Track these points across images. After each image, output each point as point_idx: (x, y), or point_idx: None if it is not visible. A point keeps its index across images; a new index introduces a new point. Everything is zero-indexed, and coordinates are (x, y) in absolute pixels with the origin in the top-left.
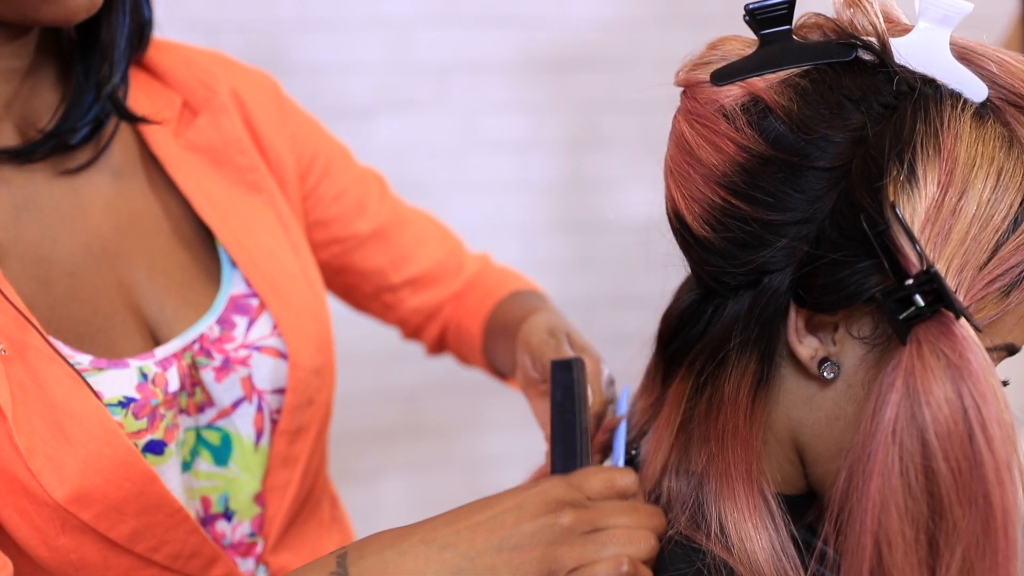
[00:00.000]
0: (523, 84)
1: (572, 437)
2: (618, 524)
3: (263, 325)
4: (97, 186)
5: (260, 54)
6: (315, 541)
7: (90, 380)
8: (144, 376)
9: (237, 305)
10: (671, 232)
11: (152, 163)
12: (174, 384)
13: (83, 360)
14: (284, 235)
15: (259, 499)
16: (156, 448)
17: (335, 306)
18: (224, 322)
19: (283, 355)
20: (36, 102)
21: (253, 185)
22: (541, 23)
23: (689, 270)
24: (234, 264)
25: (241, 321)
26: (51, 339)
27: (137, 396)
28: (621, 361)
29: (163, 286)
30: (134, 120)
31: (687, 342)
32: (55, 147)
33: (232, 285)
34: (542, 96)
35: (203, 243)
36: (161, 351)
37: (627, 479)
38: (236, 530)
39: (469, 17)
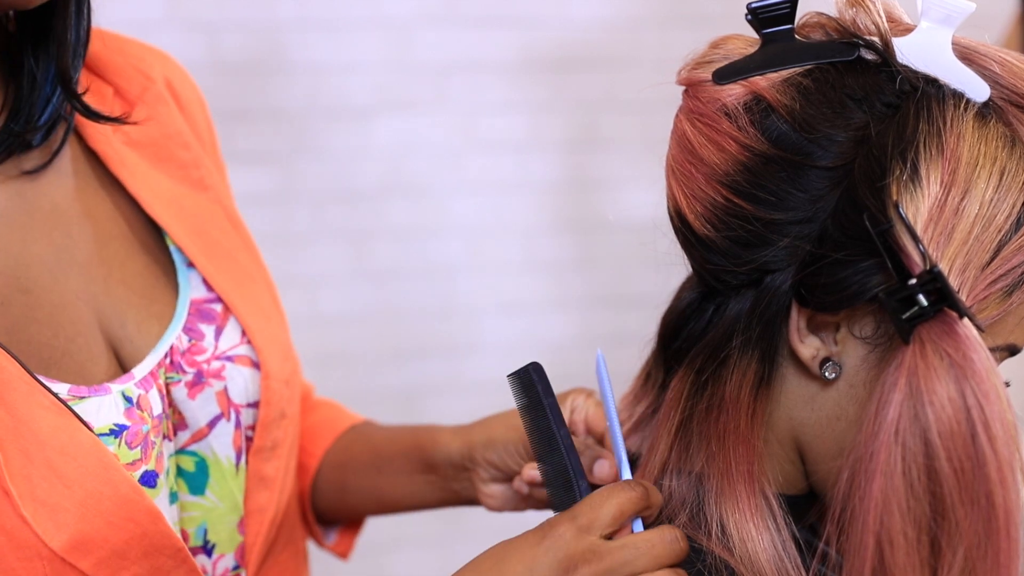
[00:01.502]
0: (523, 84)
1: (560, 461)
2: (637, 570)
3: (231, 333)
4: (43, 189)
5: (260, 54)
6: (293, 568)
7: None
8: (129, 400)
9: (200, 311)
10: (672, 231)
11: (93, 160)
12: (157, 407)
13: (60, 389)
14: (236, 234)
15: (241, 527)
16: (150, 480)
17: (334, 305)
18: (190, 331)
19: (255, 364)
20: None
21: (198, 182)
22: (541, 23)
23: (690, 269)
24: (189, 265)
25: (208, 330)
26: (25, 365)
27: (127, 423)
28: (621, 361)
29: (122, 297)
30: (101, 120)
31: (688, 341)
32: (4, 150)
33: (191, 289)
34: (542, 96)
35: (156, 244)
36: (139, 370)
37: (636, 499)
38: (218, 565)
39: (469, 17)
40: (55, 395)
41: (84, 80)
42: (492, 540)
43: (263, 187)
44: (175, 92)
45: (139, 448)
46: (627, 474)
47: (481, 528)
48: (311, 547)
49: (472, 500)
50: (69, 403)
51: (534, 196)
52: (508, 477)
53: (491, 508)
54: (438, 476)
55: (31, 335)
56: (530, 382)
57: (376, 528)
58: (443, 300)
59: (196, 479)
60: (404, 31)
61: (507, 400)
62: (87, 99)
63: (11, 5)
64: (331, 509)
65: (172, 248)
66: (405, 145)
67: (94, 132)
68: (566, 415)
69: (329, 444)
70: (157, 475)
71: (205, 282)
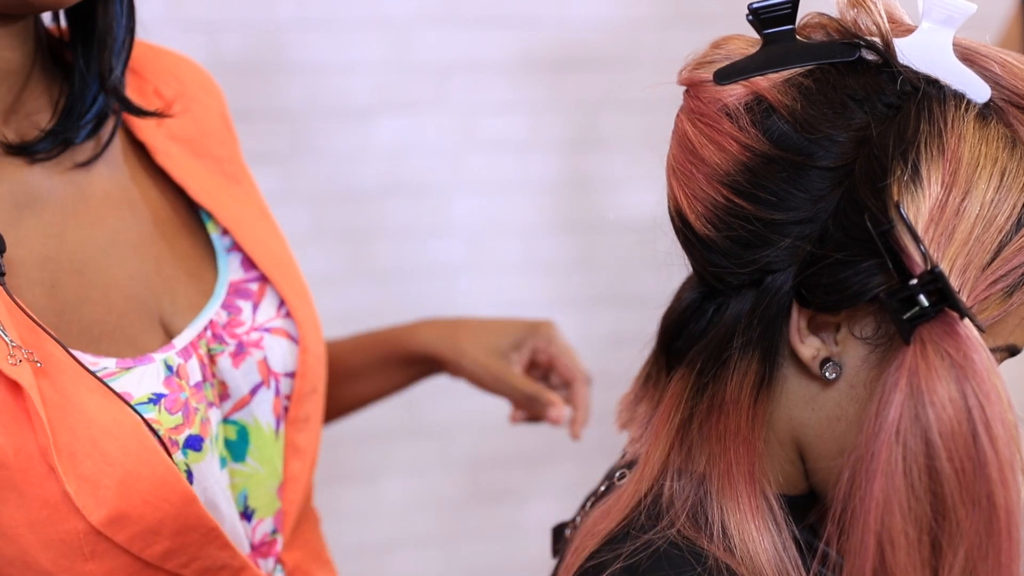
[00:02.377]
0: (523, 84)
1: None
2: None
3: (268, 307)
4: (94, 178)
5: (260, 54)
6: (314, 540)
7: (117, 382)
8: (169, 369)
9: (238, 290)
10: (673, 231)
11: (140, 151)
12: (196, 375)
13: (108, 364)
14: (268, 226)
15: (280, 492)
16: (195, 444)
17: (334, 305)
18: (229, 307)
19: (292, 337)
20: (33, 98)
21: (232, 177)
22: (541, 23)
23: (691, 270)
24: (229, 250)
25: (245, 305)
26: (72, 350)
27: (166, 391)
28: (621, 361)
29: (172, 276)
30: (141, 113)
31: (688, 341)
32: (58, 144)
33: (230, 271)
34: (542, 96)
35: (198, 229)
36: (179, 340)
37: None
38: (257, 529)
39: (469, 17)
40: (98, 377)
41: (128, 78)
42: (492, 540)
43: (263, 187)
44: (208, 96)
45: (180, 413)
46: None
47: (481, 528)
48: None
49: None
50: (114, 376)
51: (534, 196)
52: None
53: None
54: (414, 367)
55: (83, 313)
56: None
57: (376, 528)
58: (443, 300)
59: (238, 447)
60: (404, 31)
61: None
62: (130, 95)
63: (47, 5)
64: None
65: (213, 235)
66: (405, 145)
67: (141, 125)
68: (526, 350)
69: None
70: (203, 439)
71: (243, 265)
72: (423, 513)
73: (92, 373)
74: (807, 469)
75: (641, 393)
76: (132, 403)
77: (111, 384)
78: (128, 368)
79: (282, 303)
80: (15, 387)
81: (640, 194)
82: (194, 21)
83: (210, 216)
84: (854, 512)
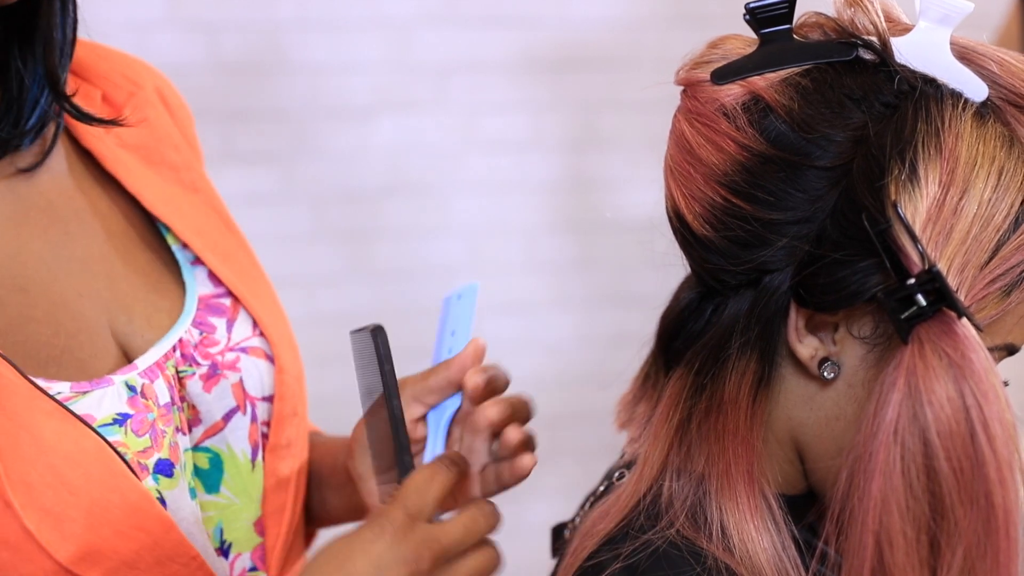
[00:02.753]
0: (523, 84)
1: (386, 431)
2: (467, 546)
3: (243, 325)
4: (37, 186)
5: (260, 54)
6: None
7: (75, 406)
8: (132, 389)
9: (209, 306)
10: (671, 231)
11: (87, 159)
12: (164, 396)
13: (62, 388)
14: (232, 237)
15: (259, 526)
16: (165, 469)
17: (334, 305)
18: (201, 324)
19: (269, 358)
20: None
21: (190, 185)
22: (541, 23)
23: (689, 270)
24: (193, 263)
25: (219, 322)
26: (24, 372)
27: (131, 411)
28: (621, 361)
29: (127, 292)
30: (92, 121)
31: (686, 341)
32: None
33: (198, 285)
34: (542, 96)
35: (157, 242)
36: (143, 361)
37: (455, 478)
38: (235, 565)
39: (469, 17)
40: (55, 399)
41: (72, 83)
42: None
43: (263, 187)
44: (165, 100)
45: (148, 436)
46: (438, 447)
47: None
48: None
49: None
50: (71, 400)
51: (534, 196)
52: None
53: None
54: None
55: (29, 334)
56: (371, 345)
57: None
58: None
59: (210, 476)
60: (404, 31)
61: None
62: (76, 101)
63: None
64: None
65: (175, 247)
66: (405, 145)
67: (87, 132)
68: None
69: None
70: (173, 464)
71: (211, 279)
72: None
73: (47, 394)
74: (806, 469)
75: (640, 393)
76: (94, 425)
77: (69, 407)
78: (85, 392)
79: (255, 320)
80: None
81: (640, 194)
82: (194, 21)
83: (168, 228)
84: (852, 512)
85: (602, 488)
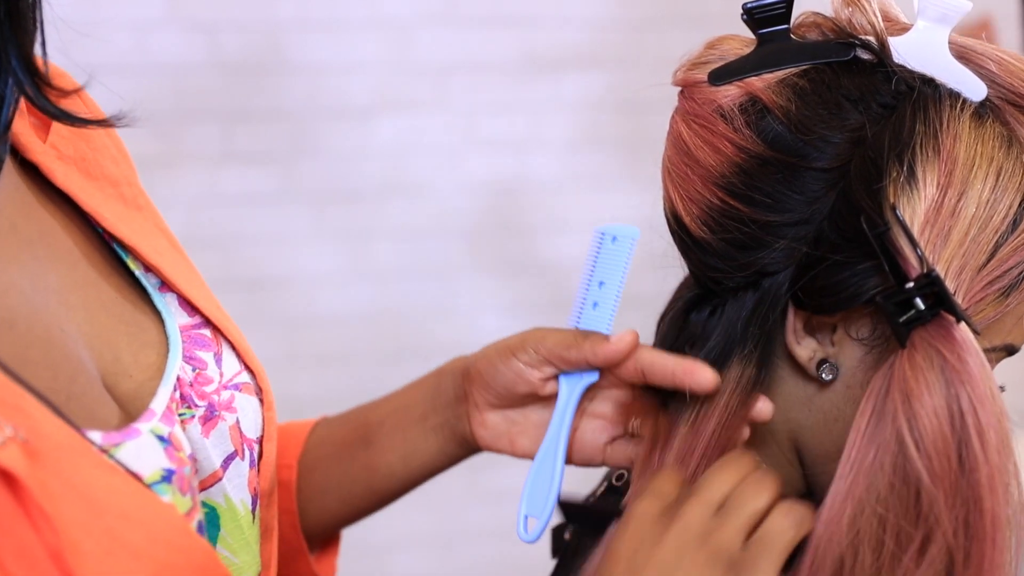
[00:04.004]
0: (523, 84)
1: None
2: (761, 507)
3: (230, 359)
4: None
5: (260, 54)
6: None
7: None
8: (162, 440)
9: (192, 338)
10: (669, 233)
11: (31, 174)
12: (187, 446)
13: (94, 437)
14: (183, 259)
15: None
16: (202, 532)
17: (334, 305)
18: (191, 359)
19: (256, 393)
20: None
21: (132, 202)
22: (541, 23)
23: (687, 271)
24: (160, 289)
25: (207, 356)
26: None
27: (173, 466)
28: None
29: (108, 326)
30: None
31: (685, 343)
32: None
33: (173, 314)
34: (542, 96)
35: (117, 266)
36: (158, 405)
37: (742, 458)
38: None
39: (469, 17)
40: (102, 449)
41: None
42: (492, 541)
43: (263, 187)
44: (88, 106)
45: (189, 495)
46: (568, 416)
47: (482, 528)
48: None
49: (469, 441)
50: (109, 452)
51: (534, 196)
52: (502, 403)
53: (482, 441)
54: (436, 416)
55: (28, 378)
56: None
57: (376, 528)
58: (443, 300)
59: (207, 532)
60: (404, 31)
61: None
62: None
63: None
64: (317, 523)
65: (137, 272)
66: (405, 145)
67: (31, 144)
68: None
69: (300, 449)
70: (204, 526)
71: (183, 306)
72: (423, 513)
73: (92, 442)
74: (805, 471)
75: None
76: (146, 482)
77: (117, 459)
78: (117, 444)
79: (238, 352)
80: (4, 477)
81: (639, 195)
82: (194, 21)
83: (127, 251)
84: (833, 512)
85: (602, 488)
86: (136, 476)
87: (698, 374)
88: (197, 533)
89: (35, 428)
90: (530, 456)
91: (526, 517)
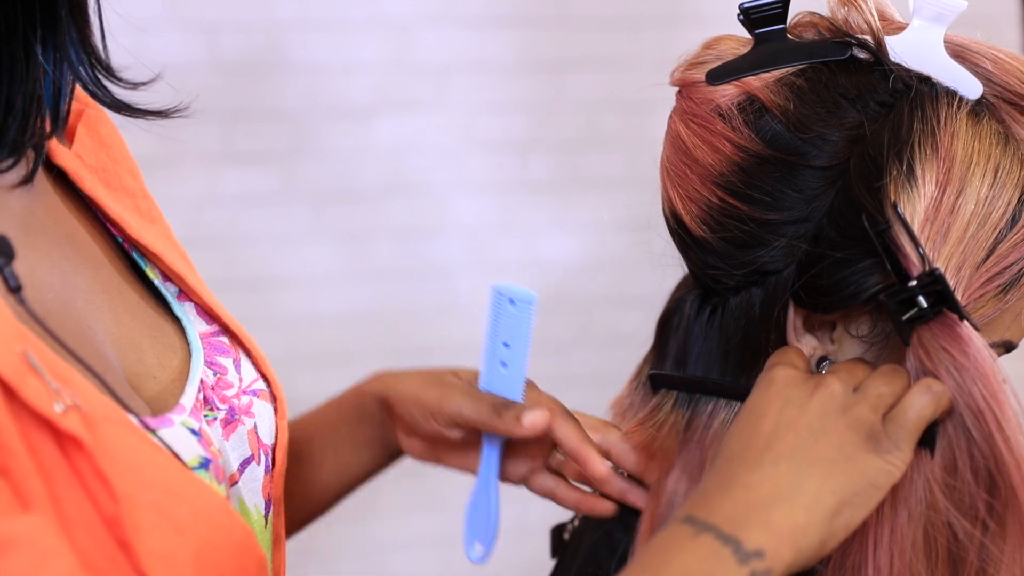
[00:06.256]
0: (523, 84)
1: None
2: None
3: (247, 366)
4: (28, 203)
5: (260, 54)
6: None
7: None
8: (194, 432)
9: (212, 345)
10: (668, 233)
11: (58, 178)
12: (217, 440)
13: (131, 420)
14: (193, 271)
15: None
16: None
17: (335, 306)
18: (212, 364)
19: (271, 400)
20: None
21: (147, 214)
22: (541, 23)
23: (687, 271)
24: (178, 297)
25: (226, 362)
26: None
27: (208, 456)
28: (621, 361)
29: (133, 328)
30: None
31: (684, 343)
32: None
33: (192, 321)
34: (542, 96)
35: (137, 273)
36: (187, 400)
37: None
38: None
39: (469, 17)
40: (150, 428)
41: None
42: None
43: (263, 187)
44: (102, 120)
45: (225, 484)
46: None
47: None
48: (306, 544)
49: (400, 452)
50: (155, 432)
51: (534, 196)
52: (420, 436)
53: (412, 456)
54: (364, 432)
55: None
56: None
57: (376, 528)
58: (443, 300)
59: None
60: (404, 31)
61: None
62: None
63: None
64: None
65: (155, 281)
66: (405, 145)
67: (58, 149)
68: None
69: None
70: None
71: (201, 314)
72: (423, 513)
73: (141, 420)
74: None
75: (633, 394)
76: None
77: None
78: (153, 430)
79: (254, 360)
80: (66, 442)
81: (638, 194)
82: (194, 21)
83: (147, 260)
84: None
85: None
86: (179, 456)
87: (591, 467)
88: (237, 513)
89: (86, 401)
90: (462, 469)
91: (473, 541)
